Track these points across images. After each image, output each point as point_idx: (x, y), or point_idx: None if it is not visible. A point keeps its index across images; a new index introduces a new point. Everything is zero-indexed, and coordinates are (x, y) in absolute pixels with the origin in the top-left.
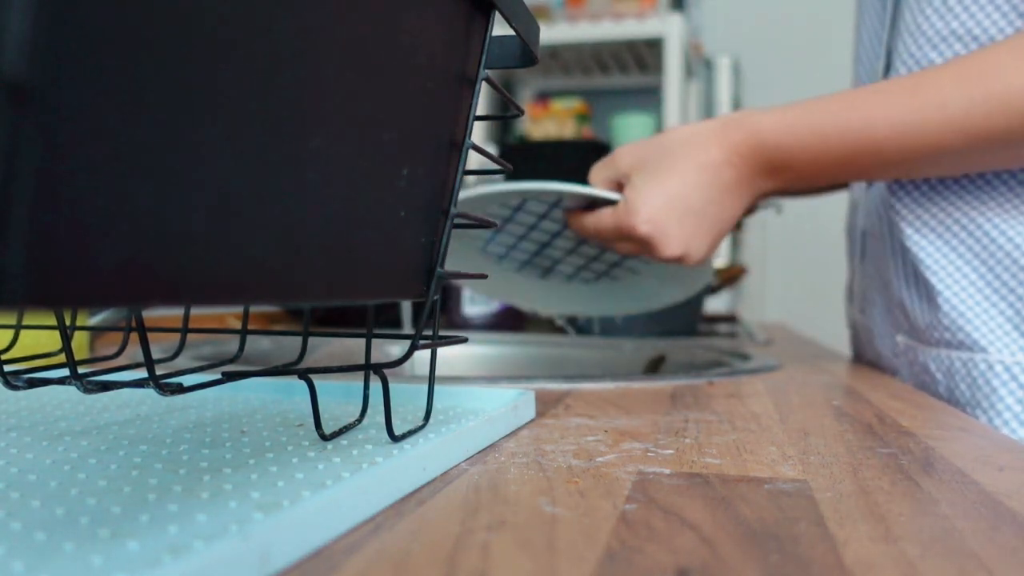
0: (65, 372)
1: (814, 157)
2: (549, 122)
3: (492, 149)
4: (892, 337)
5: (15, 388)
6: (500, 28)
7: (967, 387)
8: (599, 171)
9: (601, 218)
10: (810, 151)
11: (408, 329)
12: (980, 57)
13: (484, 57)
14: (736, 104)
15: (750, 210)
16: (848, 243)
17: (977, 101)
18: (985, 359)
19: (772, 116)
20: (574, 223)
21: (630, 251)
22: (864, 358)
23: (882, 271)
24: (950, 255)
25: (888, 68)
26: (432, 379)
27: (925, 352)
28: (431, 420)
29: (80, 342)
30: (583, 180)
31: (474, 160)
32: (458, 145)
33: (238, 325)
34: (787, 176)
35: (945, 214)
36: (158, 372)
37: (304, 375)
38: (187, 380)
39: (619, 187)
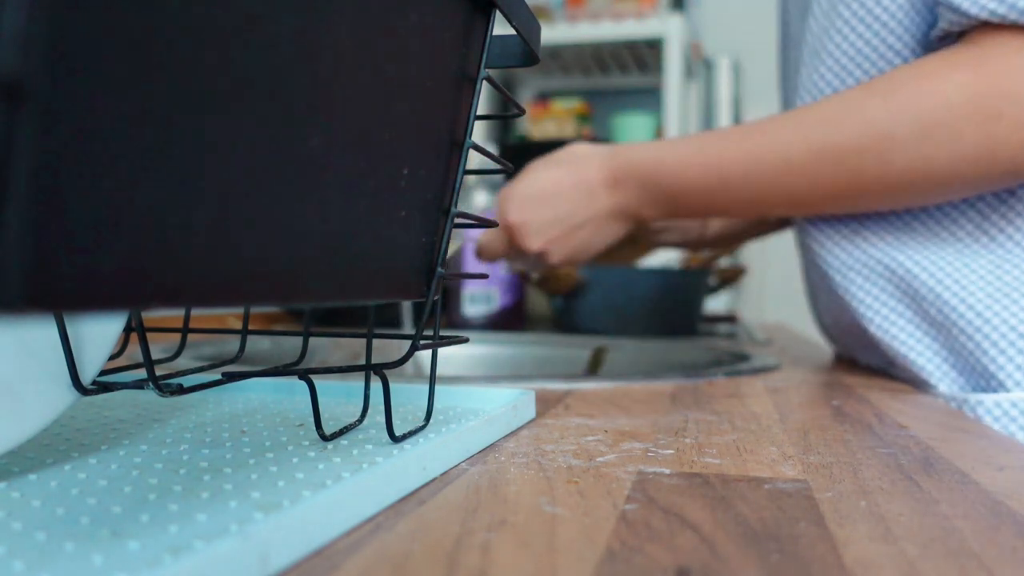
0: None
1: (681, 185)
2: (549, 122)
3: (492, 149)
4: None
5: None
6: (501, 27)
7: None
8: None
9: (490, 231)
10: (677, 179)
11: (407, 329)
12: (816, 108)
13: (485, 56)
14: (736, 104)
15: (638, 243)
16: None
17: (809, 149)
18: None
19: (647, 146)
20: (477, 250)
21: (509, 251)
22: None
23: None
24: (878, 294)
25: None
26: (433, 379)
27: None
28: (431, 420)
29: None
30: None
31: (475, 160)
32: (459, 144)
33: (239, 325)
34: (662, 201)
35: (861, 251)
36: (158, 372)
37: (304, 375)
38: (187, 381)
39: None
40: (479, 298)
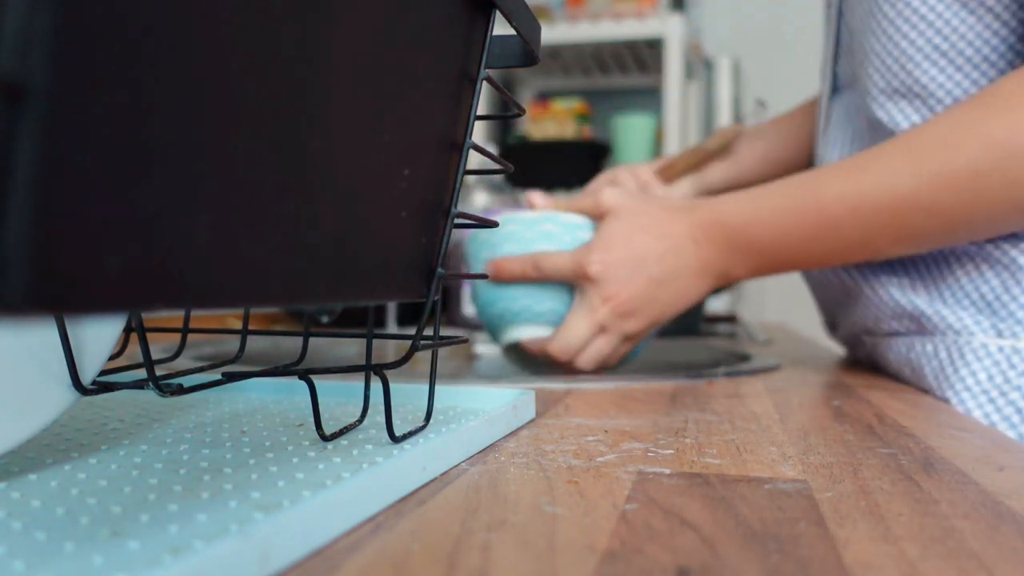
0: None
1: (776, 236)
2: (549, 122)
3: (492, 149)
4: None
5: None
6: (501, 27)
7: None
8: (582, 197)
9: (561, 257)
10: (771, 229)
11: (393, 329)
12: (925, 132)
13: (485, 57)
14: (736, 104)
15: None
16: None
17: (924, 178)
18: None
19: (735, 197)
20: (528, 263)
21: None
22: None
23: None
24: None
25: (835, 90)
26: (433, 379)
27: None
28: (431, 420)
29: None
30: (583, 180)
31: (475, 160)
32: (459, 145)
33: (239, 325)
34: (753, 257)
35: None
36: (158, 372)
37: (304, 375)
38: (187, 381)
39: (596, 218)
40: None
